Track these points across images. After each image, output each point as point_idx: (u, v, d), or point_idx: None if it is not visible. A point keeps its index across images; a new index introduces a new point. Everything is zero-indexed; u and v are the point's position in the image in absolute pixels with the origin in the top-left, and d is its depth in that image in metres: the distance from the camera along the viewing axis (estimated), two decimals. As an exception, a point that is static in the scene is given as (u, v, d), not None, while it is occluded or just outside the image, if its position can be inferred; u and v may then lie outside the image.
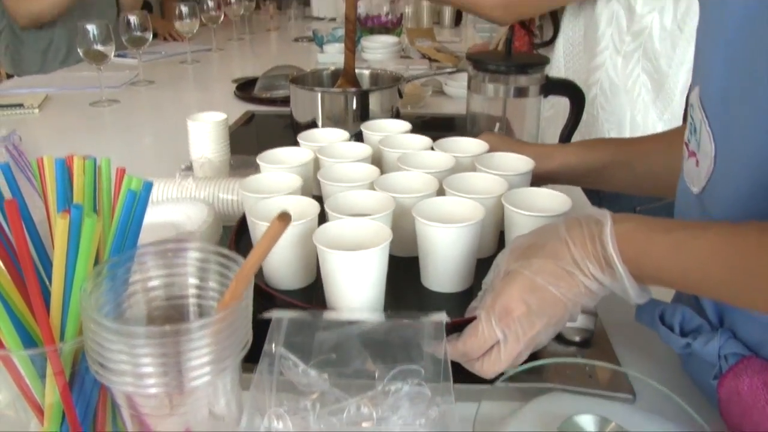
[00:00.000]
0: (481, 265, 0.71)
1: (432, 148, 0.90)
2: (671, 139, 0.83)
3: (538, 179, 0.85)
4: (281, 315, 0.60)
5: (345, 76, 1.29)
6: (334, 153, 0.88)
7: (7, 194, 0.53)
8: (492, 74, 1.07)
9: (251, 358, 0.50)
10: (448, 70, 1.85)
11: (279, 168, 0.82)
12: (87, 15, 2.43)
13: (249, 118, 1.54)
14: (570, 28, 1.36)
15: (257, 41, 2.93)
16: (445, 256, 0.70)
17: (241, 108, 1.62)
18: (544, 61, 1.08)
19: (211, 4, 2.51)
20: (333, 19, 3.37)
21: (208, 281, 0.50)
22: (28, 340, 0.46)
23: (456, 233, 0.68)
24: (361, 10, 2.75)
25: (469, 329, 0.60)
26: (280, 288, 0.71)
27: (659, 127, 1.28)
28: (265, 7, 3.53)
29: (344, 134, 0.96)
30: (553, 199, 0.75)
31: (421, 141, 0.93)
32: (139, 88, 1.94)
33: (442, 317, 0.60)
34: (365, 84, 1.36)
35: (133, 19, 1.93)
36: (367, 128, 0.97)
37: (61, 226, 0.44)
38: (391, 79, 1.35)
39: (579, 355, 0.67)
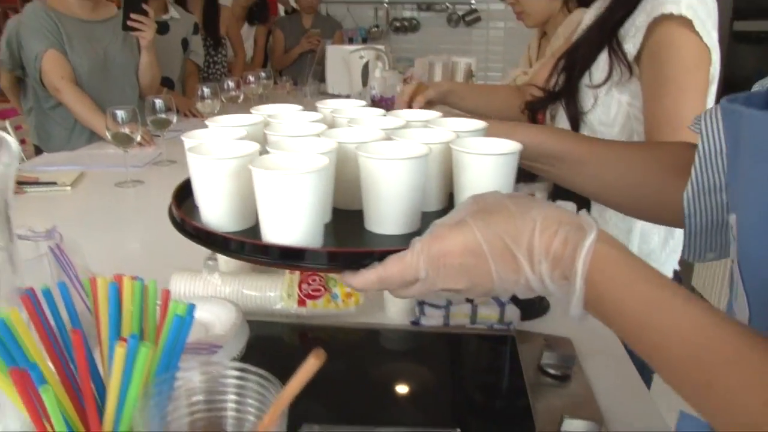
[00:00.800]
0: (427, 219, 0.66)
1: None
2: (632, 152, 0.84)
3: None
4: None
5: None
6: (286, 119, 0.86)
7: (64, 314, 0.59)
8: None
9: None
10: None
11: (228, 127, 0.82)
12: (110, 92, 2.55)
13: None
14: None
15: (275, 118, 3.02)
16: (388, 192, 0.68)
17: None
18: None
19: (231, 84, 2.62)
20: (347, 96, 3.48)
21: (246, 398, 0.55)
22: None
23: (399, 167, 0.67)
24: (375, 90, 2.85)
25: (395, 257, 0.60)
26: (222, 230, 0.70)
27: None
28: (282, 83, 3.66)
29: (297, 107, 0.93)
30: (502, 144, 0.73)
31: (375, 111, 0.91)
32: (162, 167, 2.02)
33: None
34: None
35: (158, 102, 2.02)
36: (322, 104, 0.95)
37: (119, 354, 0.49)
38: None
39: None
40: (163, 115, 2.02)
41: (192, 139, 0.76)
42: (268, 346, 0.99)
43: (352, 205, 0.75)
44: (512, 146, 0.72)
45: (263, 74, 3.00)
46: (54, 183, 1.72)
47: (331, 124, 0.86)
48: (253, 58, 4.35)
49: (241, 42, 4.12)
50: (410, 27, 5.86)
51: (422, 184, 0.69)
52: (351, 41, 4.80)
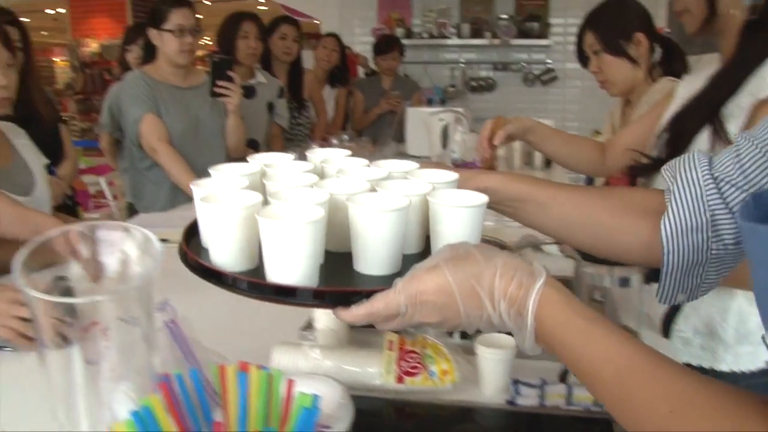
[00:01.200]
0: (408, 260, 0.78)
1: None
2: (596, 195, 0.92)
3: None
4: None
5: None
6: (281, 168, 0.94)
7: (194, 398, 0.62)
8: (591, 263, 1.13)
9: None
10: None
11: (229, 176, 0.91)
12: (200, 154, 2.67)
13: None
14: None
15: (356, 180, 3.09)
16: (373, 238, 0.78)
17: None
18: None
19: (314, 146, 2.70)
20: (427, 158, 3.53)
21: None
22: None
23: (384, 217, 0.77)
24: (456, 154, 2.89)
25: (380, 295, 0.70)
26: (228, 270, 0.79)
27: None
28: (362, 144, 3.75)
29: (290, 155, 1.02)
30: (472, 196, 0.83)
31: (359, 161, 0.99)
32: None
33: None
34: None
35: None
36: (311, 153, 1.04)
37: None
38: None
39: None
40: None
41: (201, 188, 0.86)
42: (368, 421, 1.01)
43: (343, 248, 0.83)
44: (480, 199, 0.82)
45: (345, 137, 3.09)
46: (167, 240, 1.78)
47: (321, 173, 0.95)
48: (334, 119, 4.48)
49: (324, 104, 4.25)
50: (486, 86, 5.93)
51: (403, 231, 0.79)
52: (429, 102, 4.90)
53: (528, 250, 1.64)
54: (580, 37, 2.10)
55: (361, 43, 5.89)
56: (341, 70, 4.47)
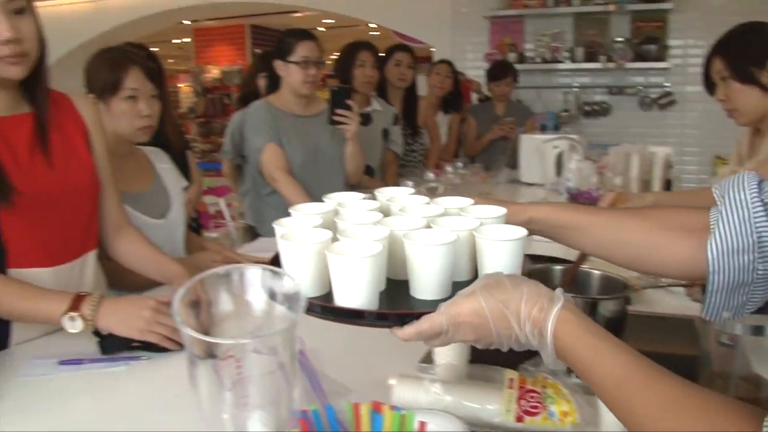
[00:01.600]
0: (459, 287, 0.86)
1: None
2: (631, 217, 1.00)
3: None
4: None
5: (569, 274, 1.36)
6: (351, 208, 1.09)
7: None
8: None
9: None
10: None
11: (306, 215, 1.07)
12: (320, 180, 2.76)
13: None
14: None
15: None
16: (425, 269, 0.91)
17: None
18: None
19: (430, 175, 2.75)
20: (541, 185, 3.50)
21: None
22: None
23: (432, 250, 0.90)
24: (571, 183, 2.85)
25: (426, 317, 0.82)
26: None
27: None
28: (475, 170, 3.75)
29: (360, 195, 1.17)
30: (513, 231, 0.95)
31: (420, 199, 1.12)
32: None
33: None
34: (593, 289, 1.37)
35: (360, 197, 2.15)
36: (379, 192, 1.18)
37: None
38: (621, 287, 1.30)
39: None
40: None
41: (282, 226, 1.00)
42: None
43: (402, 276, 0.96)
44: (519, 233, 0.94)
45: (460, 164, 3.12)
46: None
47: (386, 210, 1.09)
48: (447, 145, 4.51)
49: (438, 130, 4.29)
50: (601, 111, 5.80)
51: (451, 262, 0.92)
52: (543, 128, 4.84)
53: (651, 290, 1.60)
54: (708, 62, 2.04)
55: (474, 68, 5.91)
56: (454, 97, 4.50)
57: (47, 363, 1.32)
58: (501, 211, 1.02)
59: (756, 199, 0.80)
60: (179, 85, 12.04)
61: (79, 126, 1.60)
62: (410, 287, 0.94)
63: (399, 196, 1.16)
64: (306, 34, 2.74)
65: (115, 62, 1.91)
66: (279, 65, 2.75)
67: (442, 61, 4.51)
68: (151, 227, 1.95)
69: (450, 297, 0.85)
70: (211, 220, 5.07)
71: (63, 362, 1.32)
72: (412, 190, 1.20)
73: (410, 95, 3.85)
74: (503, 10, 5.84)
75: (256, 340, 0.76)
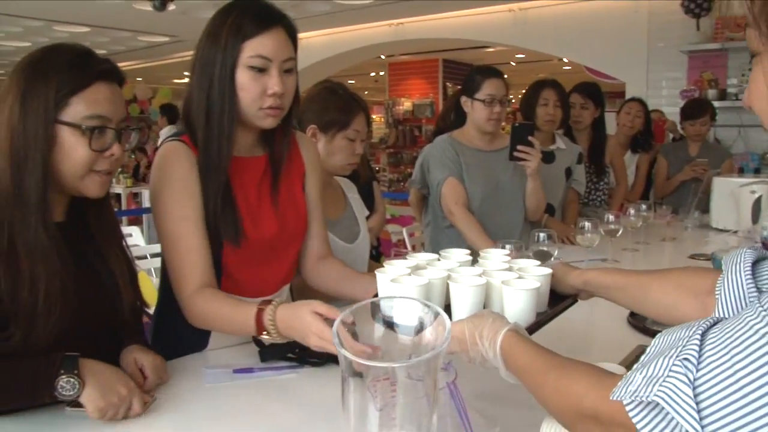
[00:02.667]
0: None
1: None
2: (654, 278, 1.19)
3: (570, 289, 1.34)
4: None
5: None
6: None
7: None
8: None
9: None
10: None
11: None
12: (500, 216, 2.80)
13: (640, 354, 1.59)
14: None
15: (651, 252, 2.99)
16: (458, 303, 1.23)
17: (633, 339, 1.69)
18: None
19: (611, 217, 2.68)
20: (735, 232, 3.28)
21: None
22: None
23: (466, 290, 1.22)
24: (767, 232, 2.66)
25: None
26: None
27: None
28: (661, 211, 3.59)
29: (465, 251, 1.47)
30: (526, 283, 1.24)
31: (501, 255, 1.47)
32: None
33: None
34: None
35: (542, 235, 2.16)
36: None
37: None
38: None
39: None
40: (545, 248, 2.15)
41: (384, 273, 1.26)
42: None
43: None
44: (529, 285, 1.22)
45: (643, 206, 3.01)
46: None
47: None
48: (634, 185, 4.36)
49: (624, 171, 4.16)
50: (813, 153, 5.33)
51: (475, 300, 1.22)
52: (741, 170, 4.54)
53: None
54: None
55: (669, 106, 5.67)
56: (645, 136, 4.35)
57: (225, 372, 1.46)
58: (547, 270, 1.31)
59: (750, 283, 0.88)
60: (372, 117, 12.58)
61: (299, 167, 1.72)
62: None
63: (494, 255, 1.47)
64: (493, 72, 2.80)
65: (347, 104, 2.16)
66: (465, 101, 2.83)
67: (634, 99, 4.38)
68: (342, 251, 2.12)
69: None
70: (393, 248, 5.25)
71: (237, 371, 1.46)
72: (508, 252, 1.53)
73: (597, 133, 3.78)
74: (704, 44, 5.57)
75: (408, 365, 0.82)
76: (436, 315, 0.86)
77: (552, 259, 2.18)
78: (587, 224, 2.47)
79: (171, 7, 6.22)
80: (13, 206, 1.20)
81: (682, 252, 2.95)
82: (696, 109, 4.39)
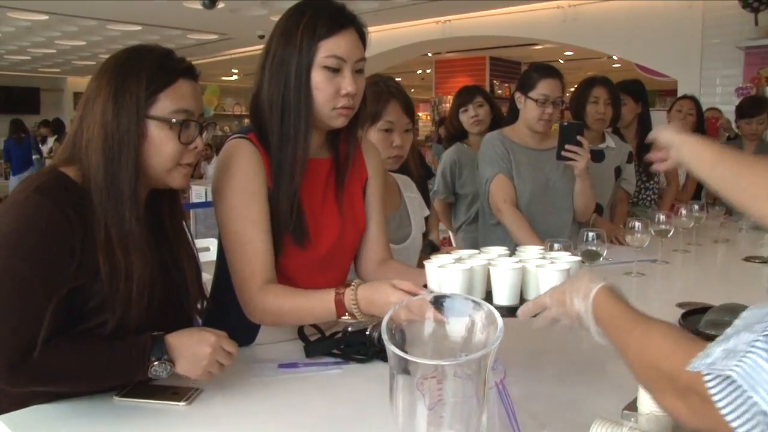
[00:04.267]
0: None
1: None
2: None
3: None
4: None
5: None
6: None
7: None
8: None
9: None
10: None
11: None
12: (548, 215, 2.76)
13: None
14: None
15: (702, 254, 2.91)
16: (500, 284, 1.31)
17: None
18: None
19: (662, 217, 2.62)
20: (789, 235, 3.18)
21: None
22: None
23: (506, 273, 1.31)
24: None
25: (535, 299, 1.24)
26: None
27: None
28: (714, 212, 3.50)
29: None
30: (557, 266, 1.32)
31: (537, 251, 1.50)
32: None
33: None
34: None
35: (591, 234, 2.12)
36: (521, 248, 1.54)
37: None
38: None
39: None
40: (594, 248, 2.12)
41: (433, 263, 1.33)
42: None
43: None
44: (561, 267, 1.30)
45: (696, 207, 2.93)
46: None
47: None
48: (685, 185, 4.27)
49: (675, 170, 4.06)
50: None
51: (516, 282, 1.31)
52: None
53: None
54: None
55: (724, 104, 5.53)
56: (697, 134, 4.24)
57: (270, 366, 1.47)
58: (577, 258, 1.41)
59: None
60: (418, 114, 12.58)
61: (361, 174, 1.73)
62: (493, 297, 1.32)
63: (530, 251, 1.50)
64: (551, 72, 2.74)
65: (378, 95, 2.08)
66: (518, 97, 2.79)
67: (685, 96, 4.28)
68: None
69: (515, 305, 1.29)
70: (442, 246, 5.25)
71: (282, 365, 1.48)
72: (541, 248, 1.54)
73: (644, 131, 3.70)
74: (762, 39, 5.41)
75: (456, 364, 0.82)
76: (488, 313, 0.85)
77: (600, 259, 2.15)
78: (637, 224, 2.41)
79: (220, 5, 6.30)
80: (107, 200, 1.25)
81: (735, 254, 2.88)
82: (752, 106, 4.27)
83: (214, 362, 1.29)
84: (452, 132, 3.82)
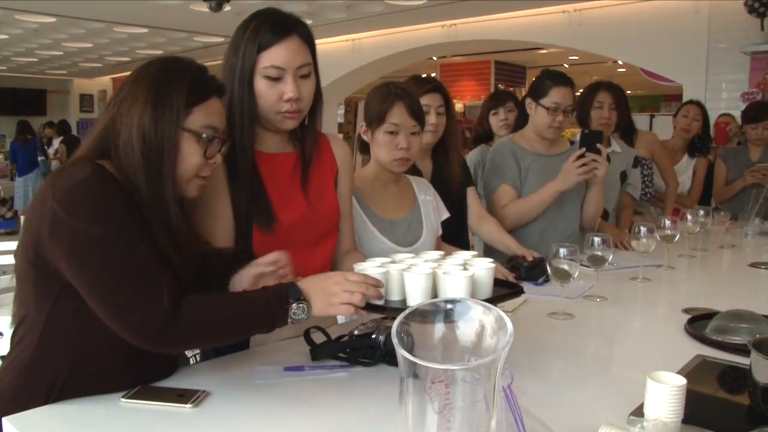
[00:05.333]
0: None
1: None
2: None
3: None
4: None
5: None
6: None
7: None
8: None
9: None
10: None
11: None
12: (557, 221, 2.76)
13: (699, 364, 1.51)
14: None
15: (708, 259, 2.90)
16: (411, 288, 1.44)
17: (690, 348, 1.64)
18: None
19: (667, 222, 2.62)
20: (797, 241, 3.18)
21: None
22: None
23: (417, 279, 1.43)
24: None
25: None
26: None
27: None
28: (719, 217, 3.50)
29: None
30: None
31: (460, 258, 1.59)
32: (591, 303, 2.10)
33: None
34: None
35: (597, 240, 2.12)
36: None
37: None
38: None
39: None
40: (600, 253, 2.11)
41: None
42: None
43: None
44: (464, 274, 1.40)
45: (701, 212, 2.93)
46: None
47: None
48: (691, 190, 4.26)
49: (671, 171, 4.05)
50: None
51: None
52: (807, 177, 4.38)
53: None
54: None
55: (729, 109, 5.52)
56: (703, 139, 4.24)
57: (276, 369, 1.48)
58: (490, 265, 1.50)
59: None
60: (423, 118, 12.54)
61: (332, 166, 1.84)
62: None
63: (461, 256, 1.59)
64: (563, 80, 2.73)
65: (383, 97, 2.10)
66: (529, 103, 2.79)
67: (692, 102, 4.28)
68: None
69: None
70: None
71: (288, 369, 1.48)
72: (475, 252, 1.64)
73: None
74: (768, 44, 5.41)
75: (465, 368, 0.82)
76: (498, 318, 0.85)
77: (606, 264, 2.14)
78: (643, 229, 2.41)
79: (227, 8, 6.31)
80: (152, 204, 1.31)
81: (741, 260, 2.87)
82: (759, 111, 4.26)
83: (345, 294, 1.33)
84: (480, 133, 3.86)
